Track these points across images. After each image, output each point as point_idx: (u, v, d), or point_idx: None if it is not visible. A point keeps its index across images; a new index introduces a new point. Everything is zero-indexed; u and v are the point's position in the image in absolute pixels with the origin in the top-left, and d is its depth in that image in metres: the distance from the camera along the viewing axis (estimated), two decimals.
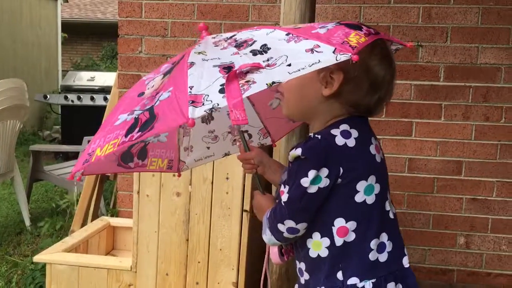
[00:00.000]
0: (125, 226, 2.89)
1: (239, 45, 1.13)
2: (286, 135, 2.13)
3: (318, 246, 1.21)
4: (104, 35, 14.18)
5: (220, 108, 0.97)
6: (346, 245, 1.19)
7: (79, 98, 7.89)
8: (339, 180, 1.15)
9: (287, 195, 1.18)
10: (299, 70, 1.00)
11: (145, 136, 1.02)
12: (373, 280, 1.19)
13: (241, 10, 2.89)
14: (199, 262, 2.29)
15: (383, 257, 1.21)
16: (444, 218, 2.89)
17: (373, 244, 1.20)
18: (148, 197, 2.30)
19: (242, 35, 1.17)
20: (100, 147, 1.08)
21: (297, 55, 1.04)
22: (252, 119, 1.51)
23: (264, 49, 1.09)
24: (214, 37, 1.22)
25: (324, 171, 1.14)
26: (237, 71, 1.02)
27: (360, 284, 1.19)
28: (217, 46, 1.17)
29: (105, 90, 7.70)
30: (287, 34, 1.11)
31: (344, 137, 1.16)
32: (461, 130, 2.85)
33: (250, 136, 1.55)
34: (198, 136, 1.49)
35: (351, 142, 1.17)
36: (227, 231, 2.27)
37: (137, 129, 1.03)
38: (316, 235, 1.21)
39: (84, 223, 3.17)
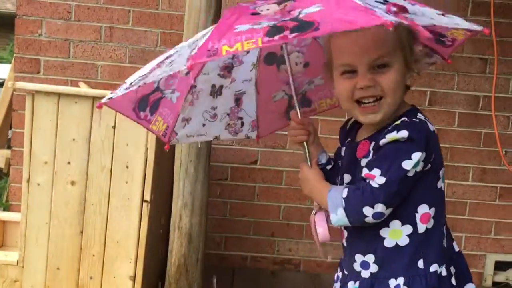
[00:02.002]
0: (17, 220, 2.67)
1: None
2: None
3: (397, 235, 1.17)
4: (14, 27, 13.28)
5: (403, 24, 0.94)
6: (428, 232, 1.17)
7: None
8: (429, 165, 1.14)
9: (384, 178, 1.10)
10: (447, 24, 1.05)
11: (306, 35, 0.95)
12: (445, 265, 1.19)
13: None
14: (93, 256, 2.17)
15: (445, 243, 1.22)
16: None
17: (444, 229, 1.21)
18: (39, 186, 2.14)
19: None
20: (228, 45, 0.97)
21: (431, 14, 1.05)
22: (251, 108, 1.50)
23: (387, 1, 1.05)
24: None
25: (423, 155, 1.11)
26: (390, 7, 0.99)
27: (439, 270, 1.18)
28: None
29: None
30: None
31: (431, 124, 1.17)
32: None
33: (242, 124, 1.54)
34: (200, 109, 1.46)
35: (434, 128, 1.17)
36: (126, 222, 2.17)
37: (287, 32, 0.94)
38: (395, 224, 1.16)
39: None
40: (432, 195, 1.18)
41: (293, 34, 0.94)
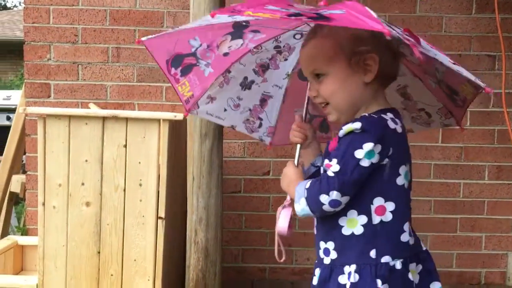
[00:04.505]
0: (35, 244, 2.69)
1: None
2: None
3: (353, 223, 1.24)
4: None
5: (402, 41, 1.03)
6: (383, 225, 1.23)
7: None
8: (386, 160, 1.20)
9: (338, 166, 1.19)
10: (451, 68, 1.13)
11: (317, 21, 1.07)
12: (402, 260, 1.23)
13: (156, 17, 2.85)
14: (112, 275, 2.17)
15: (412, 240, 1.27)
16: None
17: (406, 226, 1.25)
18: (55, 209, 2.16)
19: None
20: (252, 11, 1.09)
21: (442, 58, 1.15)
22: (273, 114, 1.59)
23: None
24: None
25: (378, 148, 1.18)
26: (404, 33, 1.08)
27: (392, 263, 1.22)
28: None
29: None
30: (426, 43, 1.19)
31: (393, 123, 1.23)
32: None
33: (260, 125, 1.61)
34: (227, 94, 1.53)
35: (399, 129, 1.24)
36: (142, 240, 2.17)
37: (304, 17, 1.06)
38: (352, 213, 1.23)
39: None
40: (390, 190, 1.23)
41: (308, 19, 1.06)
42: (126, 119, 2.15)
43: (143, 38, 1.37)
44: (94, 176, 2.15)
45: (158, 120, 2.15)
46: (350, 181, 1.18)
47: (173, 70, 1.47)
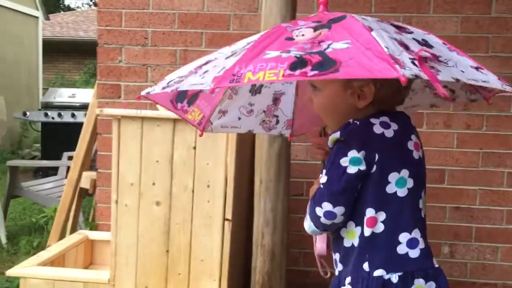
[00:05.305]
0: (104, 239, 2.80)
1: (398, 27, 1.11)
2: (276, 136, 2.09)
3: (352, 235, 1.22)
4: (86, 53, 14.08)
5: (421, 78, 0.94)
6: (374, 236, 1.18)
7: (59, 115, 7.77)
8: (374, 167, 1.16)
9: (326, 176, 1.18)
10: (475, 80, 1.02)
11: (325, 76, 0.97)
12: (400, 274, 1.17)
13: (222, 19, 2.88)
14: (179, 274, 2.22)
15: (414, 253, 1.19)
16: (428, 227, 2.86)
17: (403, 237, 1.19)
18: (127, 207, 2.23)
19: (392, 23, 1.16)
20: (252, 72, 1.02)
21: (464, 66, 1.05)
22: (288, 108, 1.57)
23: (426, 43, 1.08)
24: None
25: (362, 153, 1.16)
26: (419, 52, 1.00)
27: (386, 276, 1.17)
28: (379, 21, 1.13)
29: (86, 107, 7.51)
30: (443, 43, 1.12)
31: (382, 127, 1.19)
32: (443, 139, 2.85)
33: (277, 122, 1.61)
34: (238, 103, 1.54)
35: (389, 133, 1.19)
36: (209, 241, 2.21)
37: (309, 68, 0.97)
38: (351, 225, 1.21)
39: (61, 238, 3.07)
40: (380, 200, 1.18)
41: (313, 72, 0.96)
42: None
43: (142, 93, 1.33)
44: (165, 177, 2.21)
45: None
46: (339, 190, 1.15)
47: (179, 105, 1.48)
